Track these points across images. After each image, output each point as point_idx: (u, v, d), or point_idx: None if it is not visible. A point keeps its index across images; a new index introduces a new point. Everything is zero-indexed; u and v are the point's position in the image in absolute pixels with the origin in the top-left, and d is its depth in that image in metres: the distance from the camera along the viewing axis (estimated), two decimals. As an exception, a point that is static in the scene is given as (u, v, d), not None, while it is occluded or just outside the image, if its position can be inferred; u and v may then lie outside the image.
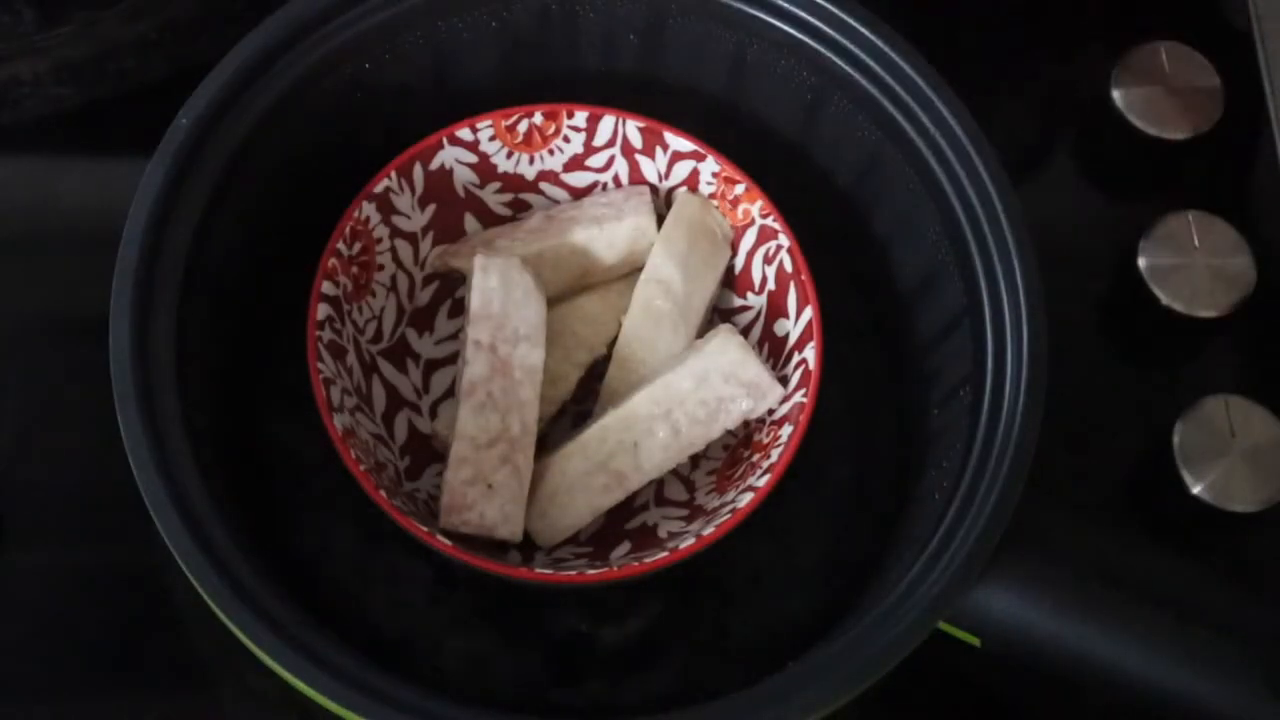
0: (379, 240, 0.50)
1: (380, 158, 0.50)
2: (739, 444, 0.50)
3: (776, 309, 0.51)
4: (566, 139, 0.52)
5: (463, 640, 0.49)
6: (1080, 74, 0.63)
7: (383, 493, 0.44)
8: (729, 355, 0.47)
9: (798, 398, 0.48)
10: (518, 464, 0.47)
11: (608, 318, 0.51)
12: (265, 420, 0.51)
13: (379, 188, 0.49)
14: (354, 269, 0.49)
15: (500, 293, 0.47)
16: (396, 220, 0.50)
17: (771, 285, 0.51)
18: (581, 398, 0.51)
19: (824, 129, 0.52)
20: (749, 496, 0.46)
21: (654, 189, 0.52)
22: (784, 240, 0.50)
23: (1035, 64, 0.65)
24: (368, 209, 0.49)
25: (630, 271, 0.52)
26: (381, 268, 0.50)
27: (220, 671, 0.50)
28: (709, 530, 0.45)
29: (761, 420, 0.49)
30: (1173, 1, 0.66)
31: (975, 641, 0.45)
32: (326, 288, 0.47)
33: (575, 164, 0.53)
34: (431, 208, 0.51)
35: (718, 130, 0.51)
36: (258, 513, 0.46)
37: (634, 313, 0.50)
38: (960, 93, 0.49)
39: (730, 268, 0.52)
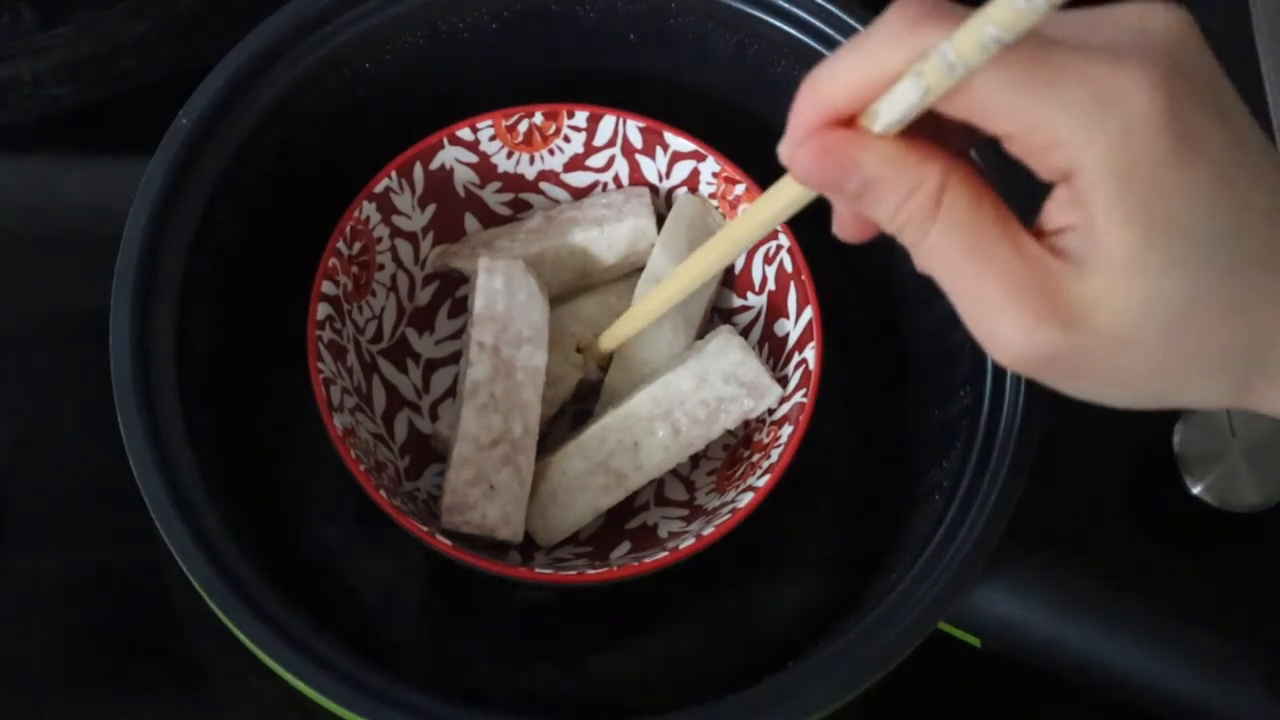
0: (379, 240, 0.50)
1: (380, 158, 0.50)
2: (739, 444, 0.50)
3: (777, 309, 0.51)
4: (567, 139, 0.52)
5: (461, 640, 0.50)
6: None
7: (383, 493, 0.44)
8: (729, 356, 0.47)
9: (798, 398, 0.48)
10: (519, 465, 0.47)
11: (608, 318, 0.51)
12: (265, 420, 0.51)
13: (379, 187, 0.49)
14: (354, 269, 0.49)
15: (504, 295, 0.47)
16: (397, 220, 0.50)
17: (772, 285, 0.51)
18: (581, 397, 0.52)
19: (824, 129, 0.52)
20: (749, 496, 0.46)
21: (654, 189, 0.52)
22: (784, 240, 0.50)
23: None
24: (368, 209, 0.49)
25: (630, 272, 0.52)
26: (382, 267, 0.50)
27: (220, 671, 0.50)
28: (709, 530, 0.45)
29: (761, 420, 0.49)
30: (1172, 2, 0.66)
31: (975, 641, 0.45)
32: (326, 287, 0.47)
33: (575, 164, 0.53)
34: (432, 207, 0.51)
35: (718, 130, 0.51)
36: (258, 513, 0.46)
37: (634, 313, 0.50)
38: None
39: (730, 268, 0.52)
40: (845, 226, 0.36)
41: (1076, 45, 0.30)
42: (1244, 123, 0.32)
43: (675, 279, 0.45)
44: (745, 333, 0.52)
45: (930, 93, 0.30)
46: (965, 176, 0.31)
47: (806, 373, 0.48)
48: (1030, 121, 0.30)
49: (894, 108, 0.31)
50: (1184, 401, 0.33)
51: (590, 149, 0.52)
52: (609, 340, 0.49)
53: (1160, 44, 0.30)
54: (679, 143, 0.51)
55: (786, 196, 0.36)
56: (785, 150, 0.33)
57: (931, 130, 0.32)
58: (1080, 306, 0.30)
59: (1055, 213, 0.31)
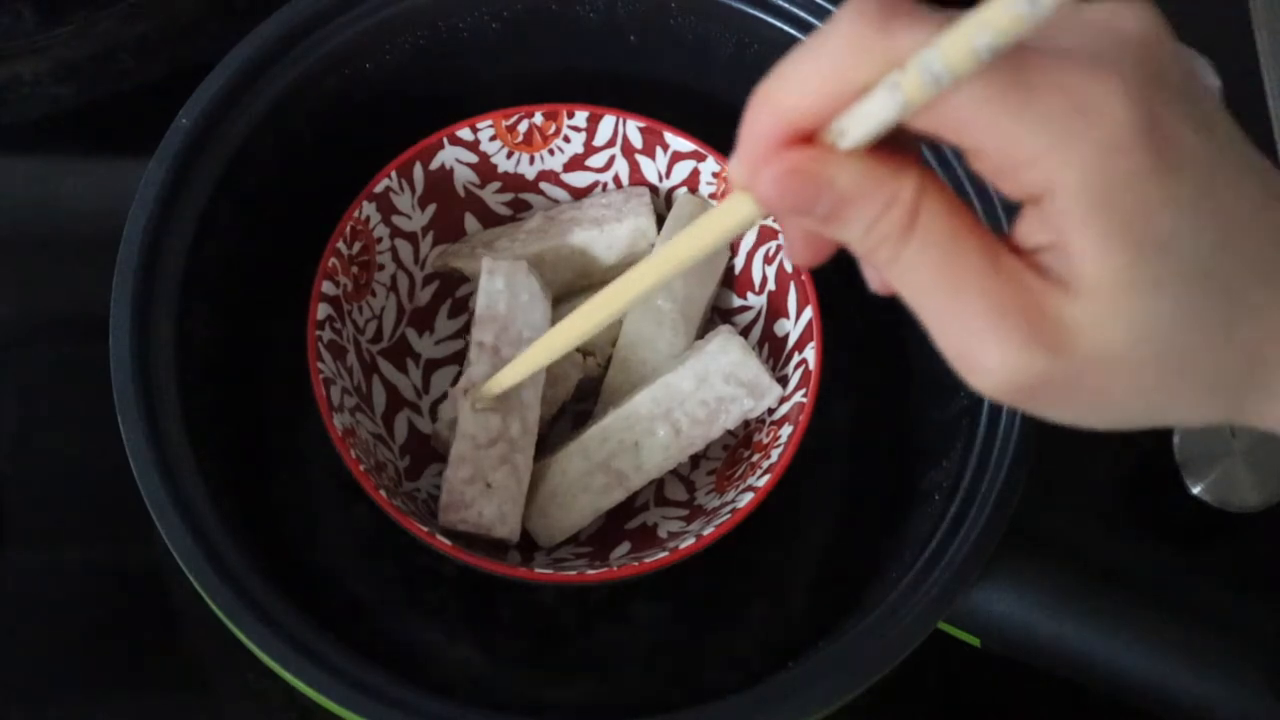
0: (379, 240, 0.50)
1: (380, 158, 0.50)
2: (739, 444, 0.50)
3: (776, 309, 0.51)
4: (567, 139, 0.52)
5: (461, 640, 0.50)
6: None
7: (383, 492, 0.44)
8: (729, 356, 0.47)
9: (798, 398, 0.48)
10: (517, 464, 0.47)
11: (608, 318, 0.51)
12: (265, 420, 0.51)
13: (379, 188, 0.49)
14: (354, 269, 0.49)
15: (506, 295, 0.47)
16: (397, 220, 0.50)
17: (772, 285, 0.51)
18: (581, 397, 0.52)
19: (824, 129, 0.52)
20: (749, 496, 0.46)
21: (654, 189, 0.52)
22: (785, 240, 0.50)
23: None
24: (368, 209, 0.49)
25: (630, 272, 0.52)
26: (382, 267, 0.50)
27: (220, 671, 0.50)
28: (709, 530, 0.45)
29: (761, 420, 0.49)
30: (1172, 2, 0.66)
31: (975, 641, 0.45)
32: (326, 287, 0.47)
33: (575, 164, 0.53)
34: (432, 207, 0.51)
35: (718, 130, 0.51)
36: (258, 513, 0.46)
37: (634, 313, 0.50)
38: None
39: (730, 268, 0.52)
40: (799, 250, 0.33)
41: (1047, 49, 0.27)
42: (1222, 125, 0.29)
43: (600, 305, 0.39)
44: (745, 333, 0.52)
45: (908, 107, 0.27)
46: (939, 189, 0.29)
47: (806, 373, 0.48)
48: (1003, 138, 0.27)
49: (864, 123, 0.28)
50: (1172, 421, 0.31)
51: (590, 149, 0.52)
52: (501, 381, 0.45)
53: (1134, 48, 0.28)
54: (679, 143, 0.51)
55: (736, 217, 0.32)
56: (741, 172, 0.30)
57: (891, 140, 0.29)
58: (1067, 329, 0.28)
59: (1027, 232, 0.29)
